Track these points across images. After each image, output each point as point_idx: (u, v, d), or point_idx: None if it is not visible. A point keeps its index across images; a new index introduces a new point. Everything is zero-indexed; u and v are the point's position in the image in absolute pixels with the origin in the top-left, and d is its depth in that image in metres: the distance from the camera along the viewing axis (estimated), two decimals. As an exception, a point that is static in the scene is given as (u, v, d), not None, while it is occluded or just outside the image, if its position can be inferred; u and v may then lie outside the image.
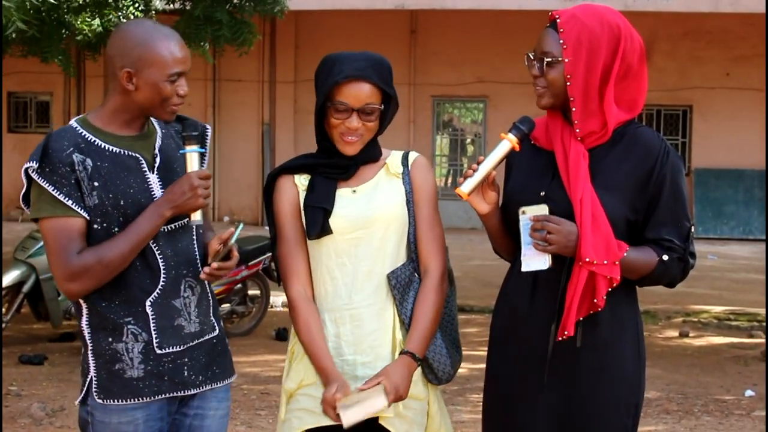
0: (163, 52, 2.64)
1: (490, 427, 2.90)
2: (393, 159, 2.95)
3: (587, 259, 2.60)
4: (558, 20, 2.69)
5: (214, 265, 2.69)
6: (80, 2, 6.67)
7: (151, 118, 2.78)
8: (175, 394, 2.72)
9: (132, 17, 6.93)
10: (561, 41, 2.67)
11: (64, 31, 6.92)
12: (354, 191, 2.89)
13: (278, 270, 2.96)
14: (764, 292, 10.12)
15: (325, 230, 2.84)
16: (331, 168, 2.89)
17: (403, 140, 16.89)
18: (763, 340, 8.68)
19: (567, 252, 2.63)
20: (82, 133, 2.66)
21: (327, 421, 2.81)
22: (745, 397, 6.81)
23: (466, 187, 2.71)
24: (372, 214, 2.86)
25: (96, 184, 2.61)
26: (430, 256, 2.91)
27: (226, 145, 17.29)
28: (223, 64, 16.74)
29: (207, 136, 2.87)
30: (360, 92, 2.81)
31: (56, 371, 7.21)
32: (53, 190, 2.58)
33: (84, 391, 2.72)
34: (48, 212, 2.60)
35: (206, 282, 2.80)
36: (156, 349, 2.68)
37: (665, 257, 2.70)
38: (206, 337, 2.78)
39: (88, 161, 2.61)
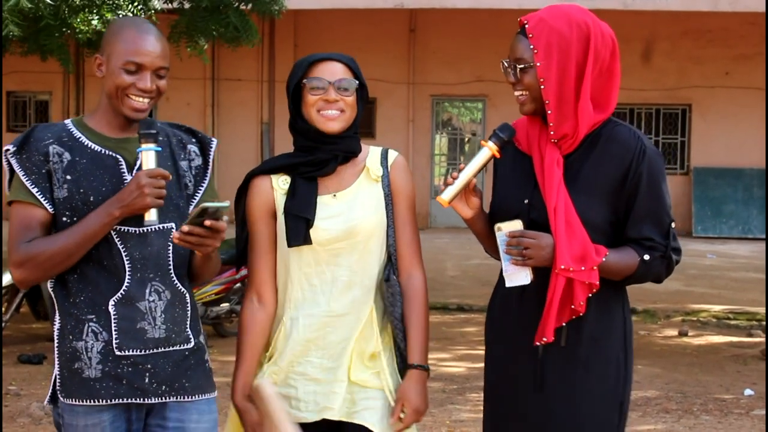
0: (127, 40, 2.61)
1: (490, 426, 2.91)
2: (372, 160, 2.90)
3: (563, 267, 2.61)
4: (527, 26, 2.71)
5: (184, 228, 2.53)
6: (78, 3, 6.67)
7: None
8: (133, 400, 2.66)
9: (131, 15, 6.94)
10: (531, 46, 2.68)
11: (64, 29, 6.92)
12: (334, 196, 2.84)
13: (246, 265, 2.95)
14: (764, 291, 10.12)
15: (306, 241, 2.80)
16: (311, 166, 2.84)
17: (403, 139, 16.91)
18: (763, 339, 8.68)
19: (546, 264, 2.65)
20: (70, 129, 2.66)
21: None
22: (744, 396, 6.81)
23: (446, 195, 2.72)
24: (354, 227, 2.82)
25: (68, 177, 2.60)
26: (414, 262, 2.91)
27: (225, 144, 17.28)
28: (223, 63, 16.77)
29: (211, 148, 2.83)
30: (334, 68, 2.82)
31: (55, 371, 7.21)
32: (23, 176, 2.60)
33: (51, 390, 2.70)
34: (15, 196, 2.62)
35: (186, 293, 2.73)
36: (115, 350, 2.62)
37: (646, 257, 2.70)
38: (175, 348, 2.69)
39: (66, 155, 2.61)
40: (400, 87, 17.15)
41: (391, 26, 16.75)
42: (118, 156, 2.66)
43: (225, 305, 8.31)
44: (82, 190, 2.60)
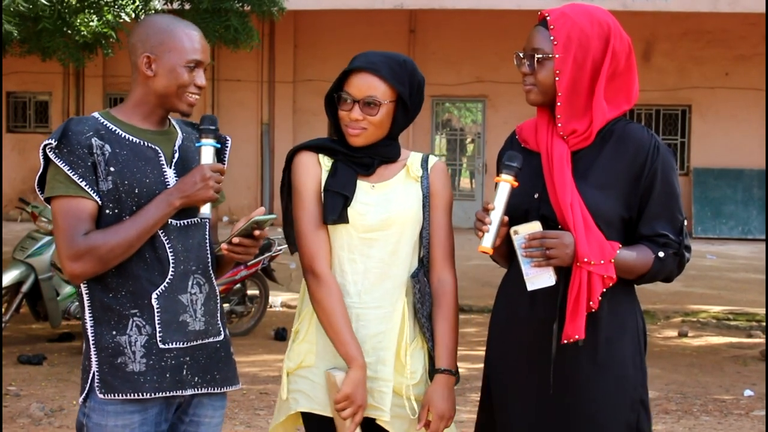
0: (184, 38, 2.69)
1: (487, 425, 2.90)
2: (413, 161, 2.95)
3: (585, 260, 2.62)
4: (548, 18, 2.73)
5: (234, 239, 2.65)
6: (76, 4, 6.67)
7: (173, 122, 2.80)
8: (174, 393, 2.69)
9: (133, 15, 6.95)
10: (552, 38, 2.70)
11: (64, 29, 6.92)
12: (373, 186, 2.88)
13: (293, 244, 2.90)
14: (763, 291, 10.13)
15: (342, 218, 2.82)
16: (352, 162, 2.87)
17: (402, 140, 16.66)
18: (762, 340, 8.69)
19: (569, 262, 2.64)
20: (103, 122, 2.68)
21: (320, 407, 2.84)
22: (744, 397, 6.82)
23: (487, 242, 2.65)
24: (389, 218, 2.84)
25: (112, 169, 2.62)
26: (446, 265, 2.92)
27: (225, 144, 17.27)
28: (223, 64, 16.76)
29: (227, 146, 2.85)
30: (363, 84, 2.81)
31: (55, 371, 7.21)
32: (68, 170, 2.60)
33: (87, 388, 2.68)
34: (61, 191, 2.61)
35: (214, 285, 2.78)
36: (159, 343, 2.65)
37: (661, 254, 2.71)
38: (210, 340, 2.76)
39: (107, 147, 2.63)
40: (400, 87, 17.14)
41: (390, 27, 16.75)
42: (156, 148, 2.70)
43: (225, 306, 8.32)
44: (126, 182, 2.63)
